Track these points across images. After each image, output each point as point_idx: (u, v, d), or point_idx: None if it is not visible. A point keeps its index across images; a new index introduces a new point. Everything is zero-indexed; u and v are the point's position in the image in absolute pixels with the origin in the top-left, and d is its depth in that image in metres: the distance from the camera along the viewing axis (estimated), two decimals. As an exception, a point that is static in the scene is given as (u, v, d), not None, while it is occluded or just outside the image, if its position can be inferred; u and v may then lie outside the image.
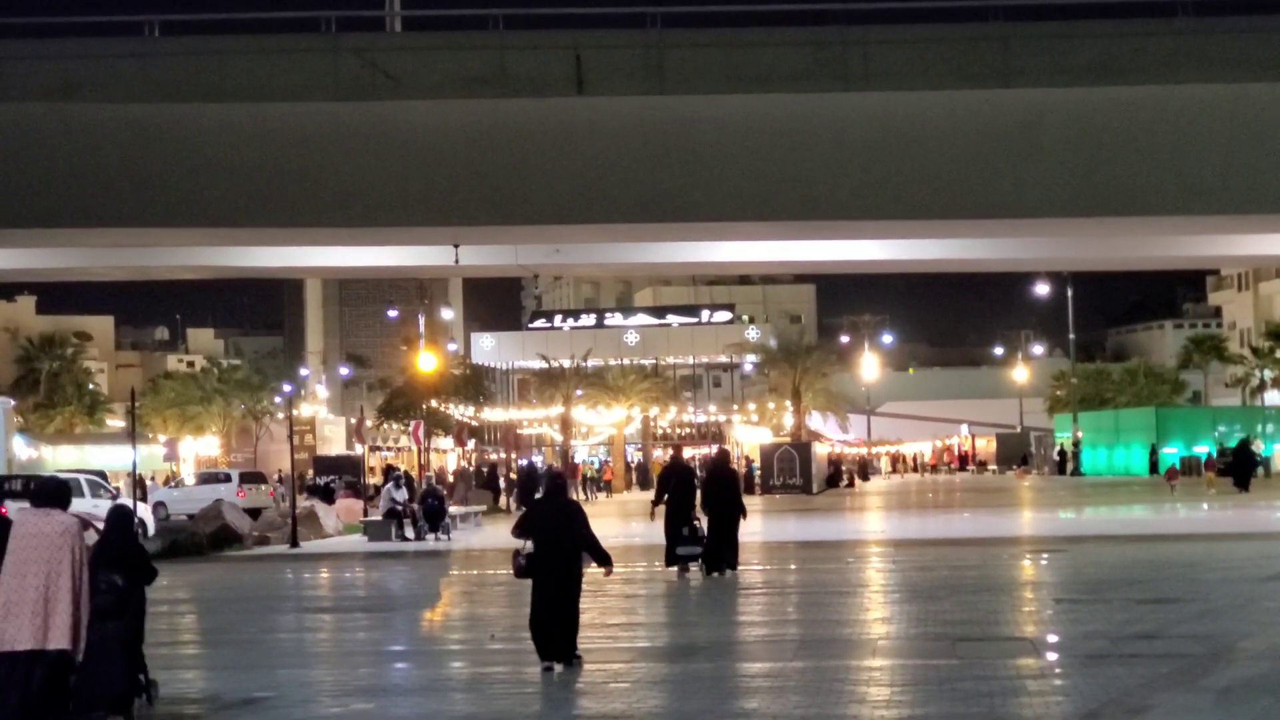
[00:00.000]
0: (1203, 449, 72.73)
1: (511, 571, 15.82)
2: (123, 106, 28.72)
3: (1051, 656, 15.62)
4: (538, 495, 17.45)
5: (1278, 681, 13.58)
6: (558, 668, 15.12)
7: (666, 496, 26.17)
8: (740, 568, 25.97)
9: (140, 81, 28.63)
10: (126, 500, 37.15)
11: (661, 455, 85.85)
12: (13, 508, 24.95)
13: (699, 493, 26.60)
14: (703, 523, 25.79)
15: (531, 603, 15.31)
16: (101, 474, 46.39)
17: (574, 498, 16.57)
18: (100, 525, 13.79)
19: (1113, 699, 12.81)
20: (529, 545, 15.32)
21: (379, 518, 39.92)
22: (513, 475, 63.93)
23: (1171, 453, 73.63)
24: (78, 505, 15.52)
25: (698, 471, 34.66)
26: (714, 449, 47.29)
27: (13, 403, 76.99)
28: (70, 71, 28.58)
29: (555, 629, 15.09)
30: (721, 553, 25.57)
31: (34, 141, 28.91)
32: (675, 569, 25.60)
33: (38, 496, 12.74)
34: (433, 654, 17.70)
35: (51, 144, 28.95)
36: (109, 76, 28.69)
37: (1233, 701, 12.64)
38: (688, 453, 53.35)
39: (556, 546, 15.17)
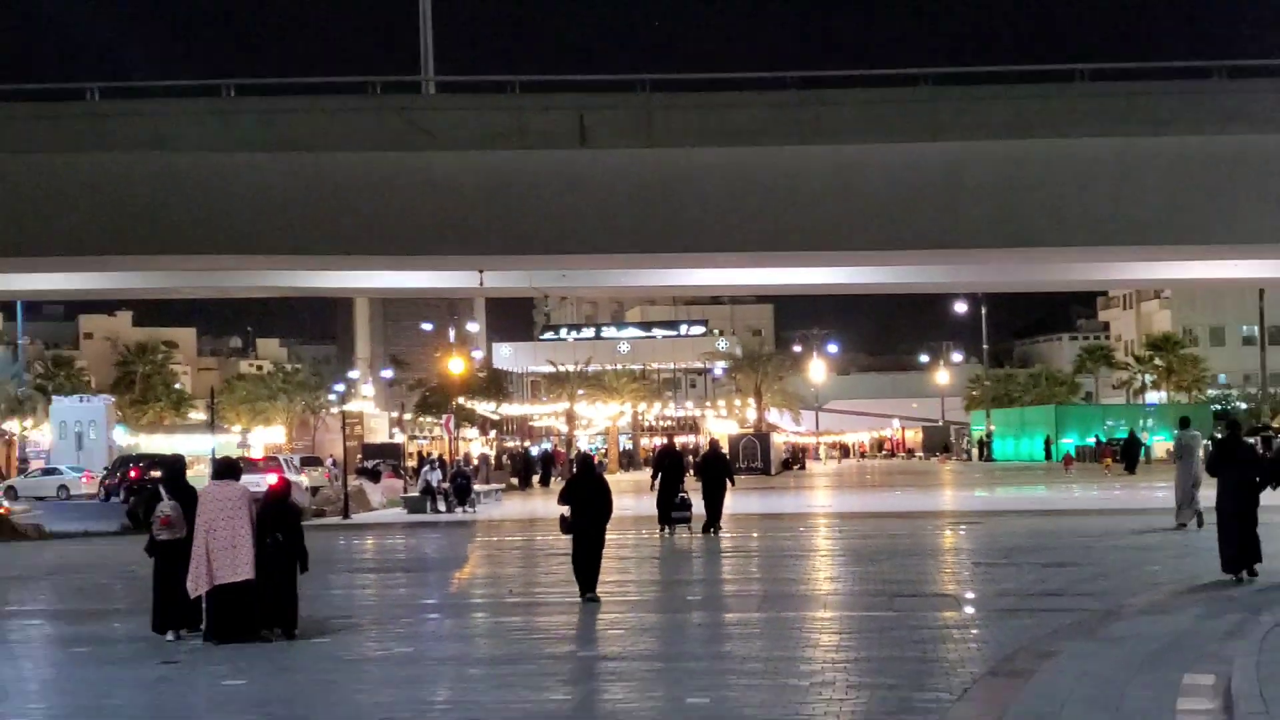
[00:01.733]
0: (1092, 439, 73.12)
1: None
2: (204, 155, 28.55)
3: (971, 610, 15.56)
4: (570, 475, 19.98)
5: (1162, 631, 13.54)
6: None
7: (660, 474, 28.07)
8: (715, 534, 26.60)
9: (219, 134, 28.46)
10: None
11: (649, 443, 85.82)
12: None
13: (695, 470, 28.43)
14: (688, 494, 27.66)
15: (572, 551, 17.19)
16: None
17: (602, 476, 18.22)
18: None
19: (1024, 646, 12.74)
20: (568, 510, 17.19)
21: (416, 494, 39.80)
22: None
23: (1068, 442, 73.84)
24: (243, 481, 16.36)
25: (690, 456, 36.17)
26: (709, 438, 48.71)
27: (113, 400, 76.82)
28: (160, 126, 28.41)
29: (585, 569, 16.95)
30: (711, 517, 27.56)
31: (131, 184, 28.72)
32: (666, 530, 27.16)
33: (217, 472, 14.31)
34: (460, 606, 17.58)
35: (145, 186, 28.75)
36: (193, 130, 28.51)
37: (1125, 648, 12.59)
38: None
39: (587, 511, 17.09)
